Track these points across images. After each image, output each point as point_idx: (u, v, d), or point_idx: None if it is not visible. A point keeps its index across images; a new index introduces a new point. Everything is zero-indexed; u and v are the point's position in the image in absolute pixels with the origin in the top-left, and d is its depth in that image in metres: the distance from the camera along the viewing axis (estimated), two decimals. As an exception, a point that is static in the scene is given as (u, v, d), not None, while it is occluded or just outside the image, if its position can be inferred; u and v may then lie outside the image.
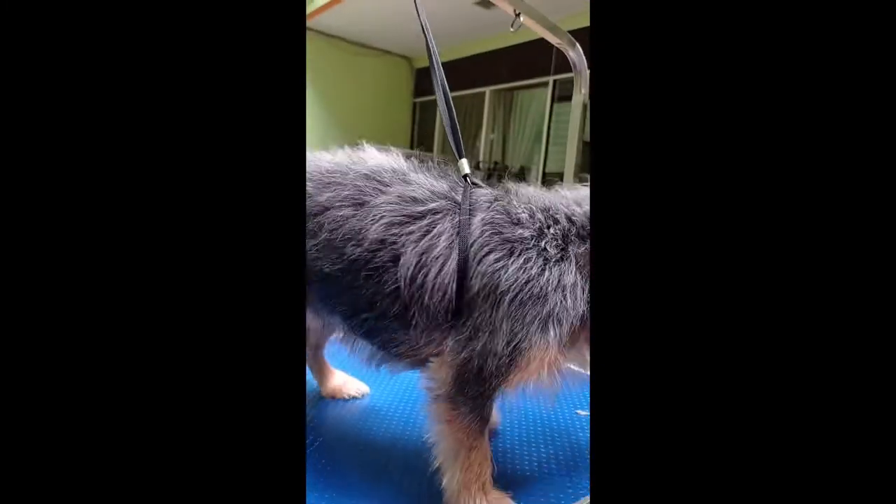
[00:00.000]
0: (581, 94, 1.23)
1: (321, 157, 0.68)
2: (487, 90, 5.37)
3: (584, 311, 0.55)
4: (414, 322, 0.58)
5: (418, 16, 0.77)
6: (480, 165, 5.27)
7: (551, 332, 0.54)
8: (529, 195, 0.62)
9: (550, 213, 0.59)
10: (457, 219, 0.59)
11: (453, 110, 0.72)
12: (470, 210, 0.59)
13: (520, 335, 0.54)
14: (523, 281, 0.54)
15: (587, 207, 0.60)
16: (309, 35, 5.60)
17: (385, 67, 6.16)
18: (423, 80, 6.31)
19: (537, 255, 0.55)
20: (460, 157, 0.68)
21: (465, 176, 0.66)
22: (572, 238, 0.57)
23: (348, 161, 0.65)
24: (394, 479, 0.67)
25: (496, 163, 5.33)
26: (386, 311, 0.59)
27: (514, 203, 0.60)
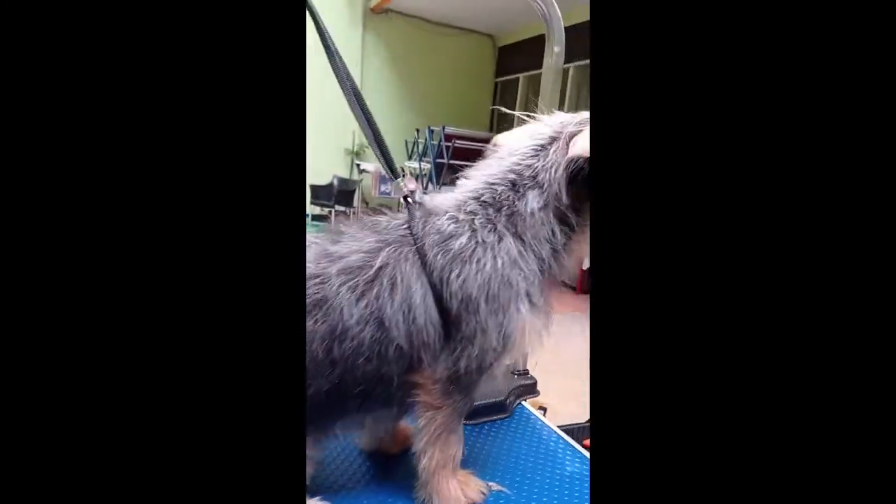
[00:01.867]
0: (553, 55, 0.94)
1: None
2: (571, 66, 5.15)
3: (542, 263, 0.62)
4: (419, 365, 0.62)
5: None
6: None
7: (523, 307, 0.61)
8: (440, 202, 0.66)
9: (465, 207, 0.63)
10: (408, 257, 0.62)
11: (375, 124, 0.70)
12: (418, 241, 0.62)
13: (504, 322, 0.60)
14: (486, 279, 0.60)
15: (488, 170, 0.65)
16: (389, 16, 5.64)
17: (467, 47, 6.09)
18: (505, 58, 6.17)
19: (482, 251, 0.60)
20: (395, 177, 0.69)
21: (405, 198, 0.67)
22: (493, 214, 0.63)
23: None
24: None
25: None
26: (393, 375, 0.61)
27: (438, 219, 0.63)
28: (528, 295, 0.61)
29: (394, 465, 0.76)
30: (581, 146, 0.60)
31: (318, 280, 0.60)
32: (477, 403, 0.86)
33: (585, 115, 0.67)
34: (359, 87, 0.68)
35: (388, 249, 0.62)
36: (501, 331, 0.60)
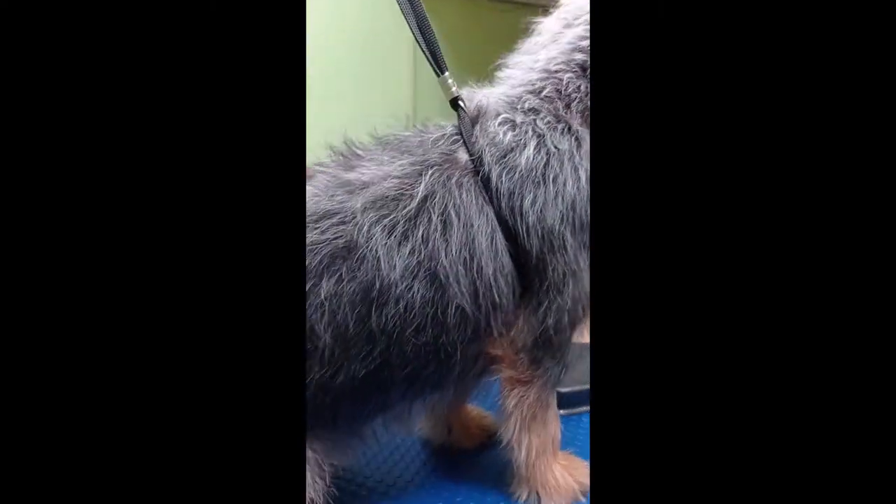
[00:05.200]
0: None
1: None
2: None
3: None
4: (488, 332, 0.47)
5: None
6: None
7: None
8: (484, 102, 0.48)
9: (521, 105, 0.47)
10: (462, 182, 0.44)
11: (420, 5, 0.52)
12: (476, 158, 0.44)
13: None
14: (570, 203, 0.43)
15: (542, 53, 0.49)
16: (447, -4, 5.51)
17: (523, 22, 5.86)
18: (564, 31, 5.88)
19: (558, 164, 0.44)
20: (442, 72, 0.51)
21: (454, 101, 0.48)
22: (562, 110, 0.47)
23: None
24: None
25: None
26: (454, 348, 0.45)
27: (488, 126, 0.46)
28: None
29: (468, 461, 0.62)
30: None
31: (336, 219, 0.43)
32: (564, 389, 0.67)
33: None
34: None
35: (430, 173, 0.45)
36: None
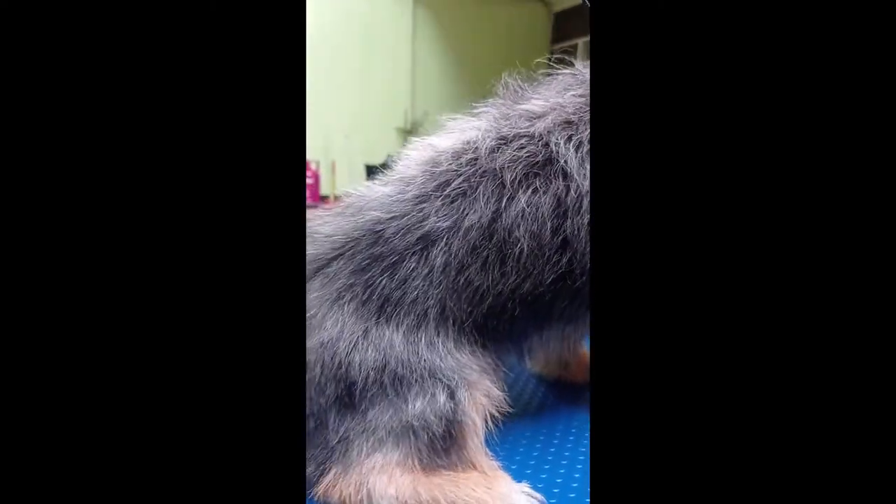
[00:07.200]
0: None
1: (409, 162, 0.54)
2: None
3: None
4: None
5: None
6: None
7: None
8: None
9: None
10: None
11: None
12: None
13: None
14: None
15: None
16: (440, -12, 5.49)
17: (519, 15, 5.84)
18: (562, 24, 5.88)
19: None
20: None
21: None
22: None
23: (456, 150, 0.50)
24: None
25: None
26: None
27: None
28: None
29: (587, 394, 0.67)
30: None
31: (525, 140, 0.48)
32: None
33: None
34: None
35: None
36: None
